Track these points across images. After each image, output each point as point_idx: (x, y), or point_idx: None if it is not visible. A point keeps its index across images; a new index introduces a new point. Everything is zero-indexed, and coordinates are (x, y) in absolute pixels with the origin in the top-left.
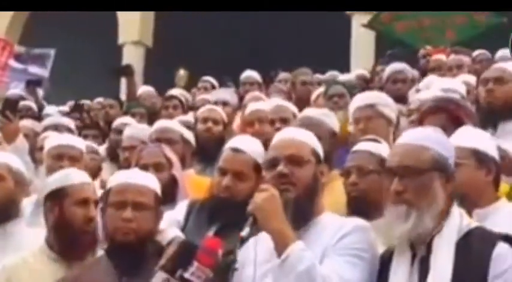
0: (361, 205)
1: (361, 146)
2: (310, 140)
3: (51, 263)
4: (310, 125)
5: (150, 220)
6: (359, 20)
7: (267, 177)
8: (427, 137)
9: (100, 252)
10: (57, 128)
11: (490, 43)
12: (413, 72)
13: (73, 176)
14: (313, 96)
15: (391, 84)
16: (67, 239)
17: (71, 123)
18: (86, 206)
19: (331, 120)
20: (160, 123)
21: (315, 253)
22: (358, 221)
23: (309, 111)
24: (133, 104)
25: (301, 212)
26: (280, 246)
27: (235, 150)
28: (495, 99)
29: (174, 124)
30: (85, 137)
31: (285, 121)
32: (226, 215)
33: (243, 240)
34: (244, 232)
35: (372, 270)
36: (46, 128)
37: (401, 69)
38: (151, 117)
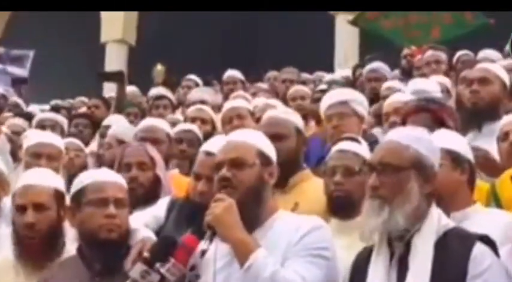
0: (344, 205)
1: (345, 145)
2: (257, 142)
3: (19, 266)
4: (275, 124)
5: (128, 217)
6: (343, 19)
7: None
8: (411, 137)
9: (69, 252)
10: (52, 125)
11: (473, 43)
12: (392, 72)
13: (22, 179)
14: (289, 93)
15: (368, 83)
16: (17, 245)
17: (63, 120)
18: (23, 212)
19: (296, 118)
20: (146, 122)
21: (275, 256)
22: (314, 220)
23: (273, 112)
24: (128, 104)
25: (246, 215)
26: (243, 256)
27: (208, 153)
28: (480, 99)
29: (160, 123)
30: (76, 126)
31: None
32: (200, 220)
33: (204, 254)
34: (205, 245)
35: (333, 267)
36: (38, 124)
37: (376, 68)
38: (143, 117)
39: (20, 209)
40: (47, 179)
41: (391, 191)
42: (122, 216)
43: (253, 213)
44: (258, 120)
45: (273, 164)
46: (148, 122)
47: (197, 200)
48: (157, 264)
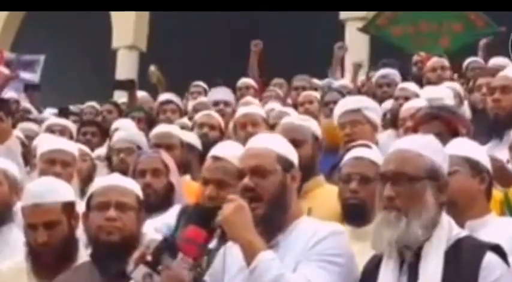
0: (359, 213)
1: (361, 152)
2: (276, 146)
3: (32, 272)
4: (292, 130)
5: (133, 221)
6: (353, 26)
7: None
8: (423, 145)
9: (83, 257)
10: (61, 130)
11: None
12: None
13: (29, 195)
14: (300, 99)
15: (378, 88)
16: (31, 256)
17: (72, 126)
18: (34, 230)
19: (312, 124)
20: (160, 128)
21: (290, 259)
22: (332, 226)
23: (290, 118)
24: (134, 108)
25: (272, 223)
26: (249, 257)
27: (216, 158)
28: (501, 109)
29: (174, 129)
30: (84, 134)
31: None
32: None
33: (211, 253)
34: (212, 244)
35: (347, 274)
36: (47, 129)
37: (386, 73)
38: (150, 122)
39: (31, 227)
40: (54, 194)
41: (408, 201)
42: (125, 219)
43: (278, 220)
44: (272, 127)
45: (294, 168)
46: (162, 128)
47: (206, 205)
48: (162, 266)
